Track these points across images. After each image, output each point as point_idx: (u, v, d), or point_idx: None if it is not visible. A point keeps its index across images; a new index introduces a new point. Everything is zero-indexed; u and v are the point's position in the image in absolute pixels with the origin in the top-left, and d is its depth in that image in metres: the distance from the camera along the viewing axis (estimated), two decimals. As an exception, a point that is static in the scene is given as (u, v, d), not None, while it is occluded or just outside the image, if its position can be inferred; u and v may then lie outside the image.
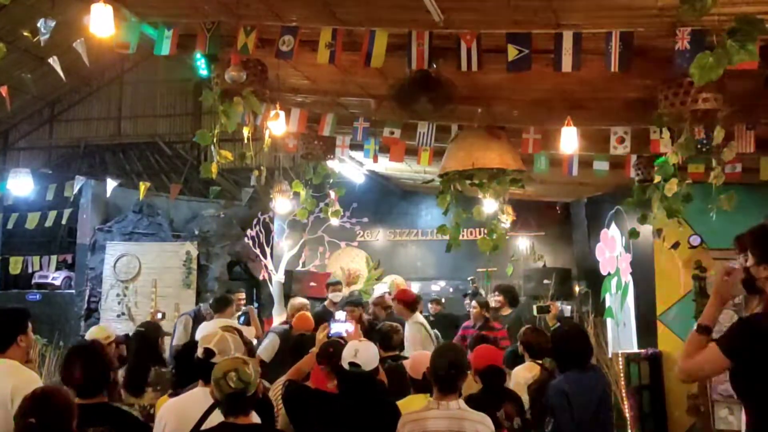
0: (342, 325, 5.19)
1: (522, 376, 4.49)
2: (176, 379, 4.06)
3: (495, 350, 4.13)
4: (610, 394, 4.07)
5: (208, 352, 3.23)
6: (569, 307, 9.02)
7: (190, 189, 12.84)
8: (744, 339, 2.46)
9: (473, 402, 3.48)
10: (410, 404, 3.59)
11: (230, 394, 2.81)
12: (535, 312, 6.00)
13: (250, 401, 2.87)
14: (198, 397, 3.18)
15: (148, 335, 5.38)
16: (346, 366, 3.43)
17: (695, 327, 2.59)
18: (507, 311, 7.32)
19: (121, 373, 4.84)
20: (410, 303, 6.40)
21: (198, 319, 7.53)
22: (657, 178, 5.20)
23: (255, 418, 3.02)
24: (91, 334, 5.07)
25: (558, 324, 5.30)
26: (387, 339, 4.88)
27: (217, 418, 2.97)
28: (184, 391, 3.57)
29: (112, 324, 9.22)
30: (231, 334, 3.41)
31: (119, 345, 5.36)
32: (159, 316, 6.83)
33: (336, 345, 3.81)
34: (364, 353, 3.44)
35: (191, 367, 3.84)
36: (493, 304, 7.46)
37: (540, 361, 4.53)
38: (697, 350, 2.53)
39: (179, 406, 3.24)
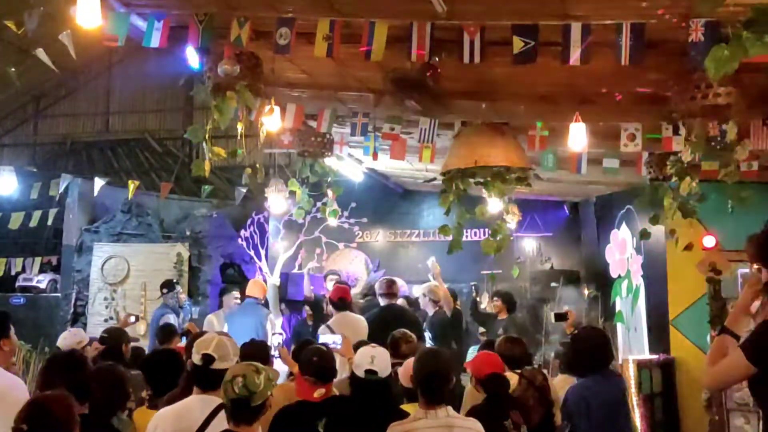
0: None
1: None
2: (152, 388, 4.02)
3: (496, 356, 4.12)
4: (629, 401, 4.10)
5: (208, 358, 3.23)
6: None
7: (181, 188, 12.83)
8: None
9: (478, 414, 3.46)
10: None
11: (234, 399, 2.80)
12: (552, 320, 6.04)
13: (255, 411, 2.85)
14: (194, 405, 3.18)
15: (112, 341, 5.19)
16: (360, 374, 3.43)
17: (719, 329, 2.61)
18: (504, 316, 7.48)
19: None
20: (336, 302, 6.53)
21: (177, 312, 7.58)
22: (679, 177, 5.20)
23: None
24: (63, 339, 5.07)
25: (575, 331, 5.33)
26: (396, 346, 4.85)
27: (218, 427, 2.97)
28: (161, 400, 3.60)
29: (99, 329, 9.20)
30: (228, 338, 3.41)
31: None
32: (132, 319, 6.79)
33: (320, 353, 3.80)
34: (380, 360, 3.45)
35: (165, 374, 3.84)
36: (492, 310, 7.61)
37: (519, 371, 4.53)
38: (721, 355, 2.53)
39: (176, 414, 3.22)
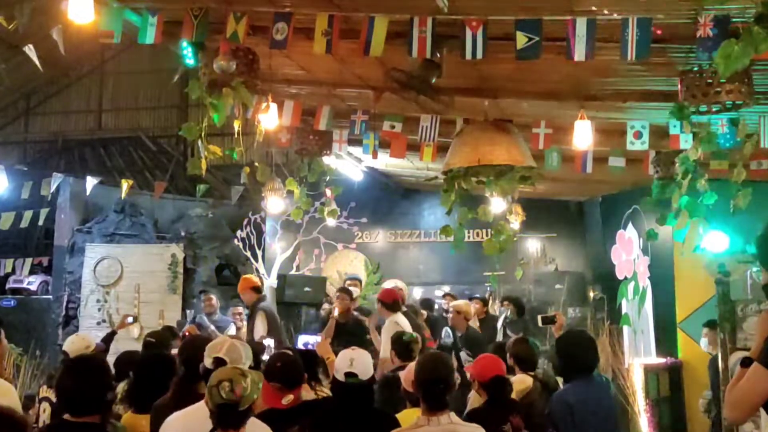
0: (308, 337, 5.20)
1: (515, 389, 4.38)
2: (134, 392, 3.97)
3: (499, 360, 4.11)
4: (617, 407, 4.06)
5: (219, 362, 3.24)
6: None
7: (176, 187, 12.84)
8: None
9: (477, 417, 3.45)
10: (405, 419, 3.53)
11: (221, 404, 2.81)
12: (539, 323, 6.02)
13: (242, 416, 2.86)
14: (206, 412, 3.18)
15: (159, 346, 5.07)
16: (341, 378, 3.42)
17: (740, 362, 2.43)
18: (514, 319, 7.66)
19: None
20: (389, 303, 6.54)
21: (197, 327, 7.64)
22: (684, 176, 5.18)
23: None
24: (70, 344, 4.98)
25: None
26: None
27: None
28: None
29: (92, 332, 9.22)
30: (240, 342, 3.44)
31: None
32: (130, 320, 6.77)
33: (283, 358, 3.77)
34: (360, 362, 3.44)
35: (155, 380, 3.81)
36: (505, 314, 7.73)
37: (532, 373, 4.54)
38: None
39: (187, 419, 3.20)
